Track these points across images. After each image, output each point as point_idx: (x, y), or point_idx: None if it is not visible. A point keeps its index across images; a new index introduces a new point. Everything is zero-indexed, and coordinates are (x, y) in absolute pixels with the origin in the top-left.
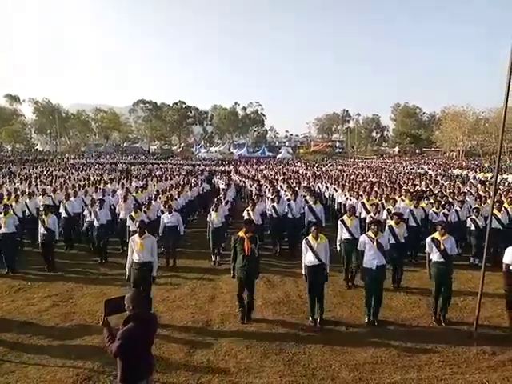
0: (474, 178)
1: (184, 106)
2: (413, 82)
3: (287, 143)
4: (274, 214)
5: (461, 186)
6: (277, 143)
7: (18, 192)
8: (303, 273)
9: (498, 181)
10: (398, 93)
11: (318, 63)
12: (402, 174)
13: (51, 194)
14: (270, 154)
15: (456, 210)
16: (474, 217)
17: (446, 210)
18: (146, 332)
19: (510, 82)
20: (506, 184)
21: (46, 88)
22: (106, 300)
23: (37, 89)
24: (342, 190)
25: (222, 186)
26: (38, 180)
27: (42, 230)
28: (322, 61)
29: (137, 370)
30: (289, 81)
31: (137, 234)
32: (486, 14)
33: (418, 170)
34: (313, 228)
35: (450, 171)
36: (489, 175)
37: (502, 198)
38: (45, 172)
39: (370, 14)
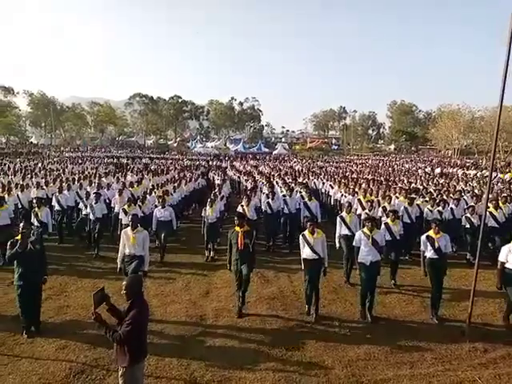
0: (475, 175)
1: (180, 100)
2: (410, 79)
3: (283, 139)
4: (268, 210)
5: (455, 184)
6: (273, 139)
7: (12, 185)
8: (303, 267)
9: (494, 179)
10: (394, 90)
11: (317, 60)
12: (397, 172)
13: (44, 186)
14: (267, 149)
15: (451, 208)
16: (468, 215)
17: (440, 208)
18: (147, 316)
19: (505, 80)
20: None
21: (41, 80)
22: (93, 294)
23: (32, 81)
24: (338, 187)
25: (217, 182)
26: (33, 173)
27: (35, 222)
28: (320, 58)
29: (140, 352)
30: (286, 77)
31: (129, 228)
32: (486, 13)
33: (414, 168)
34: (308, 224)
35: (445, 169)
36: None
37: (498, 196)
38: (39, 165)
39: (369, 12)
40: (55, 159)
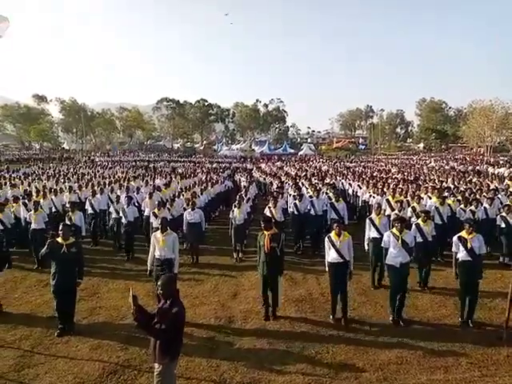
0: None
1: (206, 103)
2: (440, 76)
3: (309, 140)
4: (295, 212)
5: (489, 182)
6: (298, 140)
7: (46, 189)
8: (327, 270)
9: None
10: (423, 87)
11: (343, 60)
12: (427, 170)
13: (77, 190)
14: (292, 150)
15: (485, 208)
16: (504, 214)
17: (473, 207)
18: (185, 315)
19: None
20: None
21: (72, 87)
22: (133, 295)
23: (63, 88)
24: (367, 187)
25: (243, 183)
26: (65, 178)
27: None
28: (346, 57)
29: (178, 347)
30: (312, 78)
31: (159, 231)
32: None
33: (446, 166)
34: (335, 225)
35: (478, 167)
36: None
37: None
38: (71, 170)
39: (395, 8)
40: (87, 164)
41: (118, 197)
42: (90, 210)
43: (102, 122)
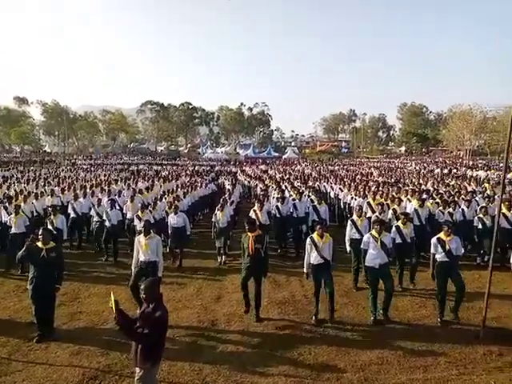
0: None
1: (190, 106)
2: (420, 81)
3: (293, 143)
4: (277, 214)
5: (467, 185)
6: (283, 143)
7: (25, 193)
8: (304, 271)
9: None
10: (404, 92)
11: (325, 64)
12: (407, 174)
13: (59, 194)
14: (276, 154)
15: (462, 210)
16: (481, 216)
17: (451, 209)
18: (167, 320)
19: None
20: None
21: (54, 90)
22: (115, 300)
23: (45, 91)
24: (348, 190)
25: (227, 186)
26: (46, 181)
27: None
28: (329, 61)
29: (160, 352)
30: (295, 81)
31: (142, 234)
32: (500, 12)
33: (423, 170)
34: (318, 227)
35: (456, 170)
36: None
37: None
38: (52, 173)
39: (378, 12)
40: (68, 167)
41: (100, 200)
42: (72, 214)
43: (85, 125)
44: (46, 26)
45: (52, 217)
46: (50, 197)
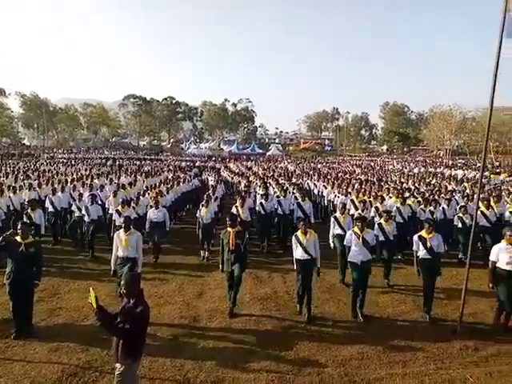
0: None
1: (174, 101)
2: (403, 80)
3: (277, 140)
4: (261, 211)
5: (447, 184)
6: (267, 140)
7: (4, 186)
8: (295, 268)
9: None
10: (387, 91)
11: (310, 61)
12: (389, 172)
13: (37, 188)
14: (260, 150)
15: (443, 208)
16: (460, 214)
17: (432, 208)
18: (149, 315)
19: (495, 81)
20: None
21: (32, 81)
22: (95, 295)
23: (24, 82)
24: (332, 188)
25: (211, 182)
26: (25, 174)
27: None
28: (314, 59)
29: (141, 347)
30: (280, 78)
31: (122, 230)
32: (487, 12)
33: (404, 169)
34: (301, 223)
35: (437, 169)
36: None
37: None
38: (32, 167)
39: (365, 11)
40: (48, 161)
41: (81, 194)
42: (50, 208)
43: (65, 118)
44: (46, 25)
45: (30, 211)
46: (27, 191)
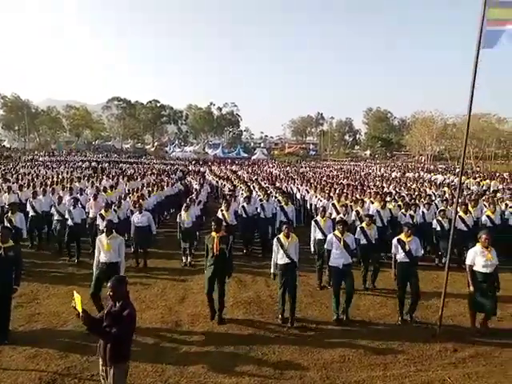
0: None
1: (158, 104)
2: (386, 86)
3: (262, 144)
4: (243, 215)
5: (427, 188)
6: (252, 144)
7: None
8: (271, 271)
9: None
10: (370, 97)
11: (295, 66)
12: (371, 177)
13: (17, 191)
14: (245, 154)
15: (423, 212)
16: (440, 218)
17: (412, 212)
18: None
19: (473, 89)
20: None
21: (14, 82)
22: (77, 297)
23: (7, 83)
24: (314, 192)
25: (195, 186)
26: (4, 178)
27: None
28: (299, 63)
29: (129, 349)
30: (265, 83)
31: (104, 234)
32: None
33: (385, 174)
34: (284, 227)
35: (415, 174)
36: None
37: (467, 201)
38: (11, 169)
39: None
40: (28, 163)
41: (60, 198)
42: (31, 212)
43: (47, 120)
44: (46, 25)
45: (10, 215)
46: (6, 194)
